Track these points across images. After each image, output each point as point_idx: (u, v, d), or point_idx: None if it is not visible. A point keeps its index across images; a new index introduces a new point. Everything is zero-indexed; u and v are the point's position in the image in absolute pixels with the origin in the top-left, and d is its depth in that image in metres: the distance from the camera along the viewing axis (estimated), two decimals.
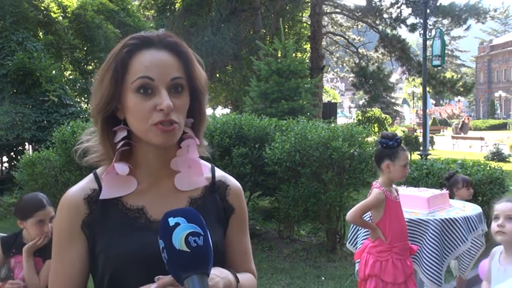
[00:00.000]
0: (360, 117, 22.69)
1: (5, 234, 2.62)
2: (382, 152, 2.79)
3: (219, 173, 1.16)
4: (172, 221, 0.85)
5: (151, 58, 0.98)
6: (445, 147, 19.25)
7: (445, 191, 3.63)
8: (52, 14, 12.49)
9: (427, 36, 11.72)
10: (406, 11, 17.86)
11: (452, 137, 21.39)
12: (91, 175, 1.08)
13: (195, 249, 0.84)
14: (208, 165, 1.16)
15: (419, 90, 32.55)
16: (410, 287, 2.81)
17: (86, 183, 1.06)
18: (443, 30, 15.35)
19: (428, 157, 9.81)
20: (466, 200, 3.89)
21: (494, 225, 2.17)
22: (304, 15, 21.05)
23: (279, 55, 9.33)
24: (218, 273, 0.95)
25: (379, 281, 2.75)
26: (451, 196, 3.91)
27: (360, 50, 20.56)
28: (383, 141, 2.79)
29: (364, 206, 2.79)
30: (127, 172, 1.03)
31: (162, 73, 0.97)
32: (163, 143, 0.99)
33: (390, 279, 2.73)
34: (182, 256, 0.83)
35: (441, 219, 3.13)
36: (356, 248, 3.44)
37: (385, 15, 17.58)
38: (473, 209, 3.46)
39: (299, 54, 17.61)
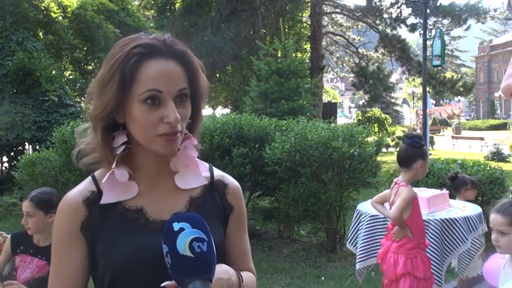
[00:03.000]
0: (360, 117, 22.67)
1: (6, 234, 2.62)
2: (415, 152, 2.82)
3: (217, 173, 1.17)
4: (176, 226, 0.85)
5: (160, 69, 0.96)
6: (445, 147, 19.25)
7: (445, 191, 3.63)
8: (52, 14, 12.50)
9: (427, 36, 11.73)
10: (406, 11, 17.87)
11: (452, 137, 21.40)
12: (89, 178, 1.08)
13: (199, 255, 0.84)
14: (206, 164, 1.16)
15: (419, 90, 32.53)
16: (432, 281, 2.87)
17: (84, 186, 1.06)
18: (443, 30, 15.37)
19: (429, 157, 9.79)
20: (467, 200, 3.89)
21: (492, 237, 2.20)
22: (304, 15, 21.05)
23: (279, 55, 9.33)
24: (222, 275, 0.95)
25: (412, 279, 2.76)
26: (455, 196, 3.91)
27: (360, 50, 20.57)
28: (416, 141, 2.84)
29: (404, 203, 2.77)
30: (127, 179, 1.03)
31: (170, 85, 0.97)
32: (167, 153, 1.00)
33: (422, 275, 2.76)
34: (186, 261, 0.83)
35: (441, 219, 3.14)
36: (356, 248, 3.44)
37: (385, 15, 17.59)
38: (473, 209, 3.46)
39: (299, 54, 17.62)
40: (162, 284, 0.89)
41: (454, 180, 4.02)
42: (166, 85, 0.96)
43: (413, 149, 2.83)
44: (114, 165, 1.02)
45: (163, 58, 0.98)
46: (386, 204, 3.09)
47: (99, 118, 1.00)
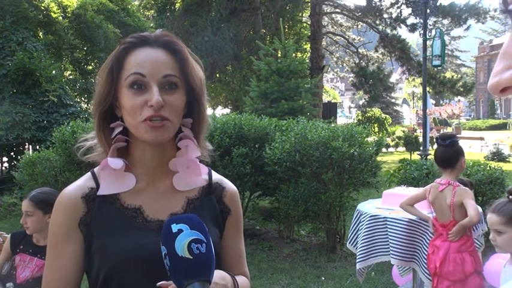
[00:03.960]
0: (360, 117, 22.69)
1: (5, 234, 2.62)
2: (456, 151, 2.92)
3: (216, 176, 1.18)
4: (175, 228, 0.85)
5: (145, 55, 1.00)
6: None
7: None
8: (52, 14, 12.49)
9: (427, 36, 11.72)
10: (406, 11, 17.92)
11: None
12: (88, 174, 1.08)
13: (198, 256, 0.83)
14: (206, 167, 1.17)
15: (419, 90, 32.53)
16: None
17: (83, 181, 1.06)
18: (443, 30, 15.35)
19: (428, 157, 9.80)
20: None
21: (490, 236, 2.24)
22: (304, 15, 21.05)
23: (279, 55, 9.33)
24: (218, 280, 0.96)
25: (478, 274, 2.79)
26: None
27: (360, 50, 20.57)
28: (453, 140, 2.93)
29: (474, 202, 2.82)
30: (121, 166, 1.03)
31: (154, 70, 0.99)
32: (153, 140, 0.99)
33: (481, 268, 2.81)
34: (185, 263, 0.83)
35: None
36: (356, 248, 3.44)
37: (385, 15, 17.58)
38: None
39: (299, 54, 17.61)
40: (158, 284, 0.90)
41: None
42: (150, 70, 0.99)
43: (453, 149, 2.91)
44: (109, 155, 1.03)
45: (150, 47, 1.02)
46: (417, 205, 3.11)
47: (96, 105, 1.03)
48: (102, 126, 1.04)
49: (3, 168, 9.57)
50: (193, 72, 1.04)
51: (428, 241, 3.07)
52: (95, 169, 1.09)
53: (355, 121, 21.37)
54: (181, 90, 1.02)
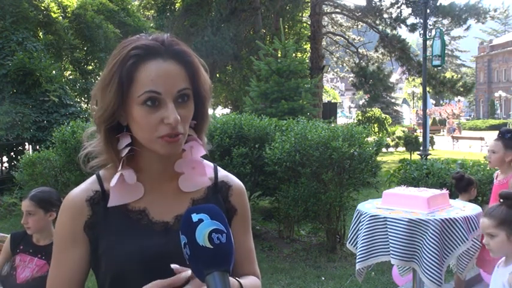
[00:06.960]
0: (360, 117, 22.69)
1: (5, 234, 2.62)
2: None
3: (222, 173, 1.16)
4: (195, 217, 0.85)
5: (158, 70, 0.96)
6: (445, 147, 19.26)
7: (445, 191, 3.62)
8: (52, 14, 12.51)
9: (427, 36, 11.73)
10: (406, 11, 17.90)
11: (452, 137, 21.40)
12: (93, 177, 1.08)
13: (218, 246, 0.83)
14: (211, 165, 1.16)
15: (419, 90, 32.54)
16: None
17: (88, 184, 1.06)
18: (443, 30, 15.35)
19: (428, 157, 9.81)
20: (469, 200, 3.88)
21: (483, 240, 2.29)
22: (304, 15, 21.07)
23: (279, 55, 9.34)
24: None
25: None
26: (456, 196, 3.90)
27: (360, 50, 20.59)
28: None
29: None
30: (135, 180, 1.03)
31: (169, 86, 0.96)
32: (168, 154, 0.99)
33: None
34: (205, 252, 0.83)
35: (441, 219, 3.13)
36: (356, 248, 3.44)
37: (385, 15, 17.59)
38: (473, 209, 3.45)
39: (299, 54, 17.61)
40: (172, 265, 0.89)
41: (461, 181, 3.96)
42: (165, 86, 0.95)
43: None
44: (120, 167, 1.02)
45: (162, 59, 0.97)
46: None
47: (102, 120, 1.00)
48: (110, 138, 1.02)
49: (3, 168, 9.57)
50: (204, 81, 1.03)
51: (428, 241, 3.07)
52: (100, 172, 1.08)
53: (355, 121, 21.36)
54: (191, 99, 1.01)
